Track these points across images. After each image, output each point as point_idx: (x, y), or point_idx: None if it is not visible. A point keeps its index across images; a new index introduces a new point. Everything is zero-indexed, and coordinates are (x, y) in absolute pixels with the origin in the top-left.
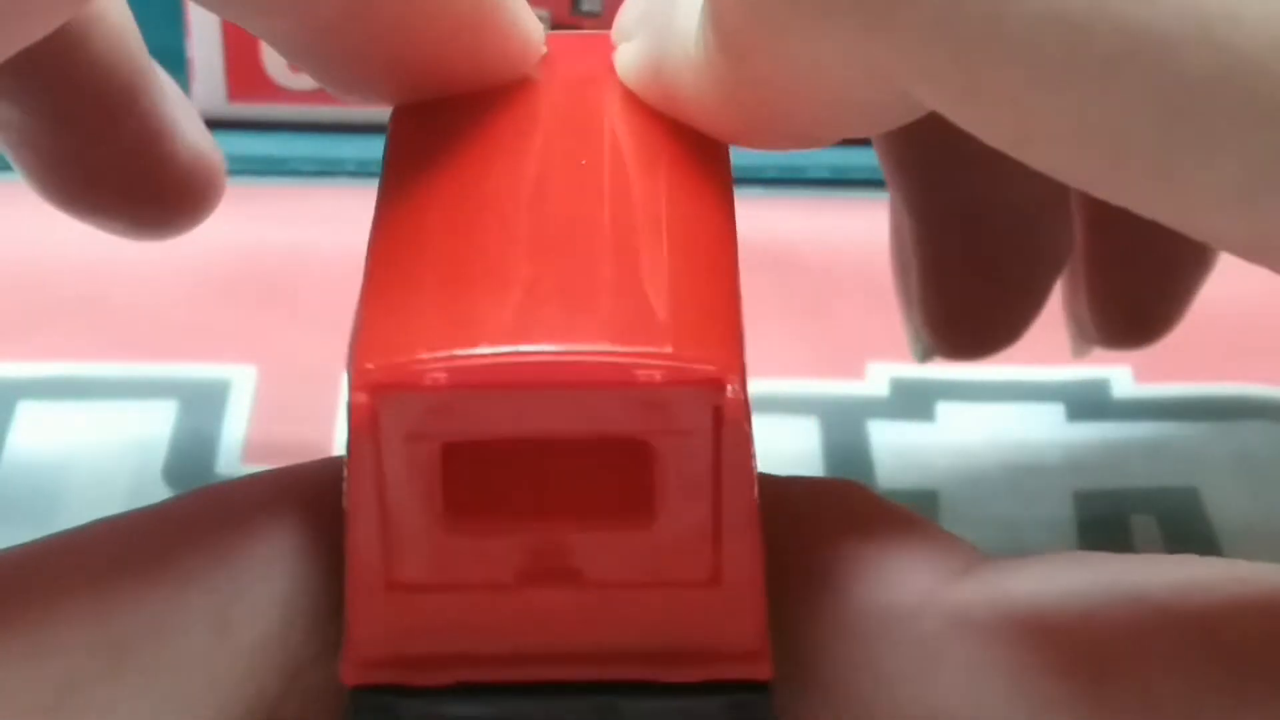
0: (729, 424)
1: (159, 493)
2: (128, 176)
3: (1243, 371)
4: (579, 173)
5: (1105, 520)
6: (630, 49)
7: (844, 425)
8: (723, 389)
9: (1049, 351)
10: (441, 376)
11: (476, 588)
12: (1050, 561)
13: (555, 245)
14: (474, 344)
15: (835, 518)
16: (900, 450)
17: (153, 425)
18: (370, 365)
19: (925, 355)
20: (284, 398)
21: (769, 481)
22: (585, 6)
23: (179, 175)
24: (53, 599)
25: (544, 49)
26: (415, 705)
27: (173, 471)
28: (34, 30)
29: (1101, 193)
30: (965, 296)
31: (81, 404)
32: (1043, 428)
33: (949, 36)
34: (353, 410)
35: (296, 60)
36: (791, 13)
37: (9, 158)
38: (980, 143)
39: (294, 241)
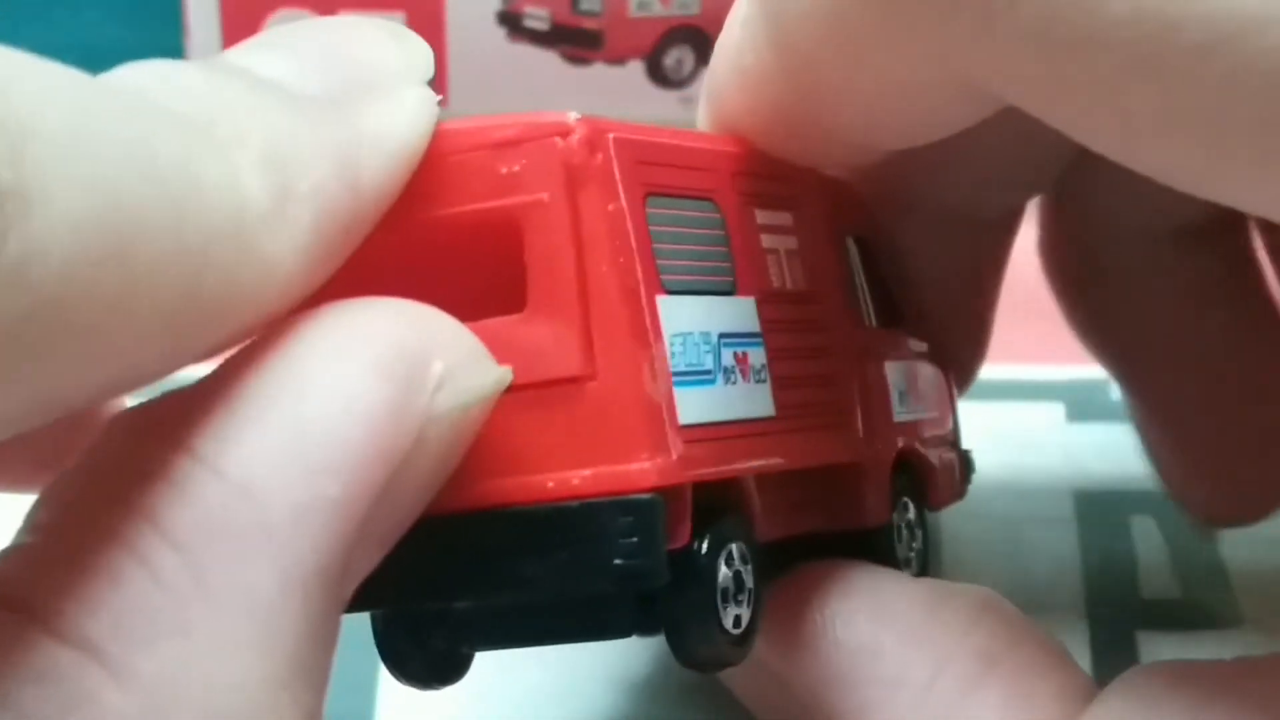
0: (582, 185)
1: None
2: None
3: None
4: None
5: (1105, 520)
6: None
7: None
8: (568, 136)
9: (1049, 351)
10: None
11: None
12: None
13: None
14: None
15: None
16: None
17: None
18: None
19: (1208, 530)
20: None
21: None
22: (585, 6)
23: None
24: None
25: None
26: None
27: None
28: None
29: (1205, 189)
30: (1217, 452)
31: None
32: (1043, 428)
33: (1047, 40)
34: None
35: None
36: (878, 28)
37: None
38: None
39: None
